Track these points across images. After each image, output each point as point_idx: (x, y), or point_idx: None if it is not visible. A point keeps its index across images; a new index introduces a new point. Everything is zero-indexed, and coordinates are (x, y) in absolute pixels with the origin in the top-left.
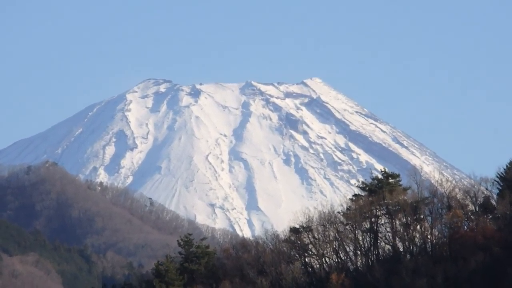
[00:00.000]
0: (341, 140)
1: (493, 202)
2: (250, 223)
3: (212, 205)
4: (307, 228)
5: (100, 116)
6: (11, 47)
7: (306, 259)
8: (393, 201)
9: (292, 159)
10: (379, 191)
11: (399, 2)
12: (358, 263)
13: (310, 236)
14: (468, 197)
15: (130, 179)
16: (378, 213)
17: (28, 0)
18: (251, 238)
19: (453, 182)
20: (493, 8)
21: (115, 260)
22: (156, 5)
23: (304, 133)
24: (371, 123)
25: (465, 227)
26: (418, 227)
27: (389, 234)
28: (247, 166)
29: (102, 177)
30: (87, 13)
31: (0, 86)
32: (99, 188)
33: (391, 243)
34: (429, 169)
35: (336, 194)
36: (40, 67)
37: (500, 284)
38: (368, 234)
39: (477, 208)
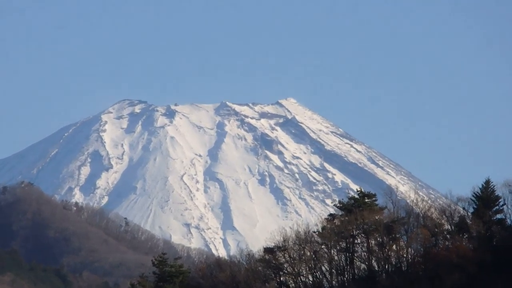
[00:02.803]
0: (316, 160)
1: (469, 222)
2: (225, 243)
3: (188, 225)
4: (282, 248)
5: (75, 137)
6: None
7: (282, 278)
8: (368, 220)
9: (267, 179)
10: (355, 211)
11: (372, 23)
12: (334, 282)
13: (285, 255)
14: (444, 216)
15: (106, 199)
16: (354, 232)
17: (3, 19)
18: (226, 258)
19: (429, 201)
20: (471, 30)
21: (91, 279)
22: (131, 26)
23: (279, 153)
24: (346, 143)
25: (440, 246)
26: (394, 246)
27: (365, 253)
28: (222, 186)
29: (78, 197)
30: (62, 33)
31: None
32: (75, 208)
33: (366, 263)
34: (405, 189)
35: (311, 214)
36: (15, 87)
37: None
38: (344, 253)
39: (452, 228)
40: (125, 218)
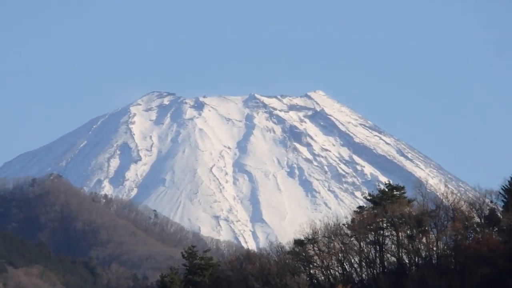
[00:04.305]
0: (345, 153)
1: (499, 215)
2: (254, 235)
3: (217, 217)
4: (312, 240)
5: (104, 129)
6: (15, 59)
7: (311, 271)
8: (398, 213)
9: (296, 171)
10: (384, 203)
11: (402, 15)
12: (363, 275)
13: (315, 247)
14: (473, 209)
15: (135, 191)
16: (383, 225)
17: (32, 11)
18: (255, 250)
19: (458, 194)
20: (496, 18)
21: (119, 272)
22: (160, 18)
23: (308, 146)
24: (375, 136)
25: (470, 239)
26: (424, 239)
27: (395, 246)
28: (251, 178)
29: (107, 189)
30: (91, 26)
31: (5, 99)
32: (104, 200)
33: (396, 255)
34: (434, 182)
35: (341, 206)
36: (44, 79)
37: None
38: (373, 246)
39: (482, 220)
40: (154, 210)
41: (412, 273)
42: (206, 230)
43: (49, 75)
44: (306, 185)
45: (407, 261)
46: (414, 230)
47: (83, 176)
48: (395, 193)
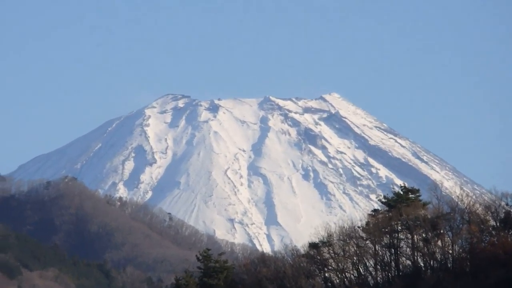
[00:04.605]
0: (360, 155)
1: None
2: (269, 238)
3: (231, 220)
4: (327, 243)
5: (119, 131)
6: (29, 62)
7: (326, 274)
8: (413, 216)
9: (311, 174)
10: (399, 206)
11: (416, 18)
12: (378, 278)
13: (330, 251)
14: (489, 212)
15: (149, 194)
16: (398, 228)
17: (48, 14)
18: (270, 253)
19: (474, 197)
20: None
21: (134, 275)
22: (174, 22)
23: (323, 148)
24: (391, 138)
25: (486, 242)
26: (439, 242)
27: (410, 249)
28: (266, 181)
29: (122, 192)
30: (106, 29)
31: (19, 102)
32: (119, 203)
33: (411, 258)
34: (449, 184)
35: (356, 209)
36: (58, 82)
37: None
38: (388, 249)
39: (498, 223)
40: (169, 213)
41: (427, 276)
42: (221, 233)
43: (64, 78)
44: (321, 188)
45: (422, 264)
46: (429, 233)
47: (98, 179)
48: (410, 196)
